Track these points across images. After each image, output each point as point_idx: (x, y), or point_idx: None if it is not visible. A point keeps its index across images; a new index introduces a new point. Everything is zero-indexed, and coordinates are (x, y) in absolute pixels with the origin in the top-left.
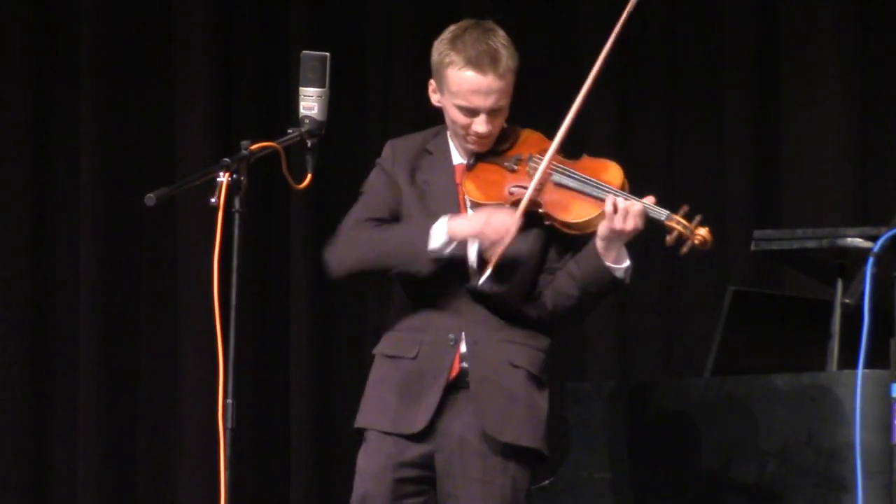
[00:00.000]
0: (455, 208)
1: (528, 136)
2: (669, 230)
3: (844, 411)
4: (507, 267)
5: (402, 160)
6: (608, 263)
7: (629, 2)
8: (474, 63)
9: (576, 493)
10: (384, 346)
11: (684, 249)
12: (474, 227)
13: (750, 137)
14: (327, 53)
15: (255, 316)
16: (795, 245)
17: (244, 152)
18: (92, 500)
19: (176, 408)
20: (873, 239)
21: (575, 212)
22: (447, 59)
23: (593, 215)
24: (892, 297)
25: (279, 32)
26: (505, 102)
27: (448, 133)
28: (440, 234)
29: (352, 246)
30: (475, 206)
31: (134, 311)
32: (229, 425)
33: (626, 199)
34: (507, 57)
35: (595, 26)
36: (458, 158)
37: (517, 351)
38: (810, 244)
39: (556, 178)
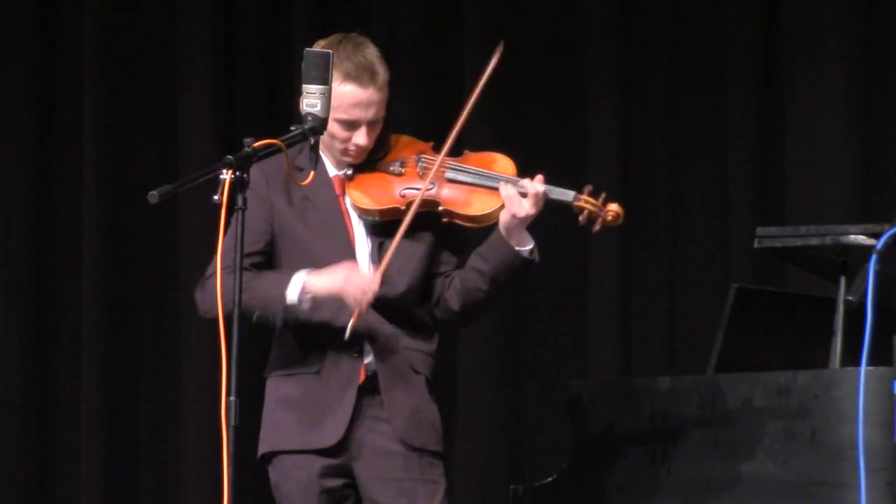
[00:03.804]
0: (339, 220)
1: (400, 139)
2: (579, 210)
3: (847, 409)
4: (395, 277)
5: (276, 180)
6: (516, 248)
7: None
8: (354, 77)
9: (578, 491)
10: (278, 366)
11: (596, 227)
12: (335, 283)
13: (753, 135)
14: (330, 51)
15: None
16: (798, 242)
17: (247, 150)
18: (95, 497)
19: (179, 405)
20: (876, 236)
21: (477, 205)
22: None
23: (496, 206)
24: (895, 294)
25: (282, 30)
26: (383, 114)
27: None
28: (296, 288)
29: (216, 293)
30: (364, 213)
31: (137, 308)
32: (232, 423)
33: (524, 185)
34: (383, 70)
35: (597, 25)
36: (332, 170)
37: (416, 357)
38: (813, 241)
39: (450, 174)
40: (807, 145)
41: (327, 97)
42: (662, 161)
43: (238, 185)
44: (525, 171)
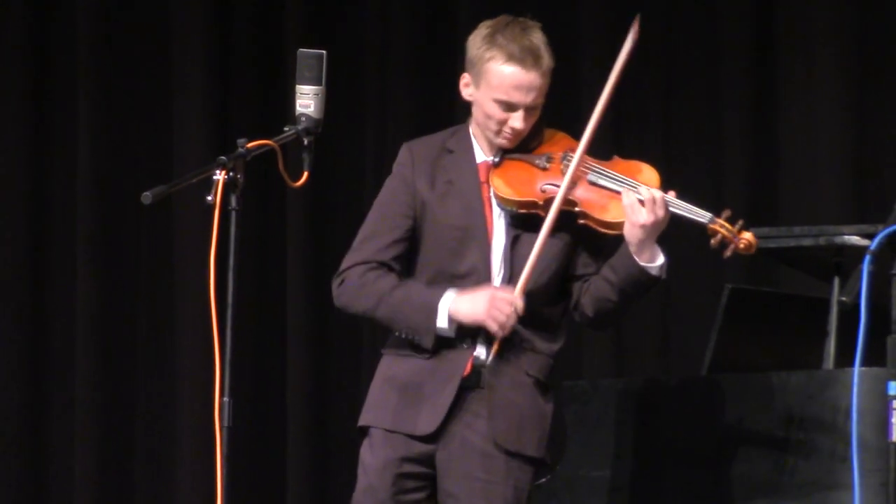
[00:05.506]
0: (479, 208)
1: (555, 135)
2: (713, 234)
3: (841, 409)
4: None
5: (422, 163)
6: (643, 264)
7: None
8: (518, 59)
9: (573, 491)
10: (395, 344)
11: (727, 253)
12: (477, 313)
13: (747, 135)
14: (324, 51)
15: (251, 314)
16: (792, 243)
17: (241, 150)
18: (89, 497)
19: (173, 406)
20: (870, 237)
21: (613, 211)
22: (488, 54)
23: None
24: (889, 294)
25: (276, 30)
26: (542, 100)
27: (470, 130)
28: (444, 316)
29: (360, 295)
30: (503, 202)
31: (130, 309)
32: (226, 423)
33: (642, 192)
34: (548, 57)
35: (593, 26)
36: (481, 156)
37: (531, 359)
38: (807, 242)
39: (592, 177)
40: (801, 146)
41: (321, 98)
42: (656, 161)
43: (231, 186)
44: None
